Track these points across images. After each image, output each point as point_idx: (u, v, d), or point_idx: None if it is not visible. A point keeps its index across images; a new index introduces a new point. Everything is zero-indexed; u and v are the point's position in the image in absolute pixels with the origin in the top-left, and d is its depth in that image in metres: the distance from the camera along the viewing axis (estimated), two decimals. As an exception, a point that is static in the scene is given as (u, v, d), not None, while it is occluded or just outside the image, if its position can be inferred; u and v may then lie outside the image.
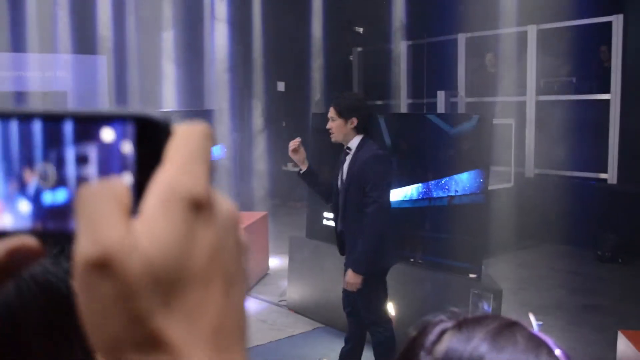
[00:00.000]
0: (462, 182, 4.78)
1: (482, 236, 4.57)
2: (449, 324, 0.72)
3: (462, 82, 10.13)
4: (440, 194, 4.96)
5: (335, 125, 4.08)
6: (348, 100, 4.15)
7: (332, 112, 4.10)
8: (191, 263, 0.38)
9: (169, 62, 10.51)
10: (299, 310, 6.22)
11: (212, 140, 0.41)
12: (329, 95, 12.29)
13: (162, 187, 0.38)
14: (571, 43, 9.14)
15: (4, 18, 9.22)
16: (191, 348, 0.38)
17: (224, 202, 0.41)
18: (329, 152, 6.01)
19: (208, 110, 8.74)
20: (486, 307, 4.33)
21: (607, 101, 8.60)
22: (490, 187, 7.94)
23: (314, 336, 5.75)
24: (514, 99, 9.36)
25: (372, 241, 4.00)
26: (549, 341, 0.71)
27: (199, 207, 0.38)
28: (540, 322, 4.37)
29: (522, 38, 9.34)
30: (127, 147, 0.39)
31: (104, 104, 9.98)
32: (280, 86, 13.02)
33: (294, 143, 4.16)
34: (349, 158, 4.13)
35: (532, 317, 0.74)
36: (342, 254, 4.39)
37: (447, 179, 4.86)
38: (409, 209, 5.26)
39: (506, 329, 0.70)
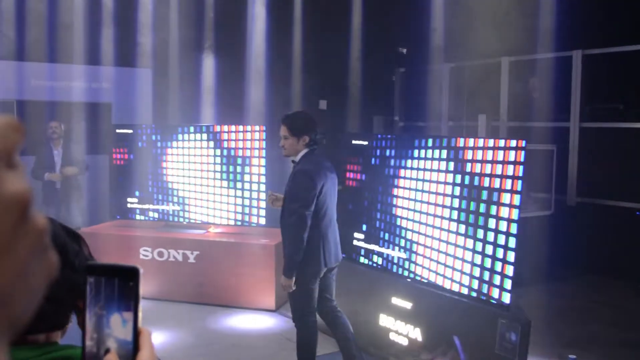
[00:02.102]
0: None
1: (513, 263, 4.44)
2: None
3: (504, 106, 9.97)
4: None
5: (288, 143, 4.45)
6: (300, 120, 4.50)
7: (284, 131, 4.45)
8: None
9: (209, 78, 10.64)
10: (326, 330, 6.15)
11: (13, 129, 0.44)
12: (370, 114, 12.26)
13: None
14: (619, 69, 8.92)
15: (51, 29, 9.49)
16: None
17: (14, 183, 0.42)
18: (365, 167, 5.98)
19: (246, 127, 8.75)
20: (514, 337, 4.20)
21: (655, 130, 8.36)
22: (529, 214, 7.80)
23: (339, 357, 5.67)
24: (557, 125, 9.16)
25: (292, 248, 4.44)
26: None
27: None
28: (574, 357, 4.20)
29: (567, 63, 9.16)
30: None
31: (147, 116, 10.13)
32: (322, 104, 13.04)
33: (269, 199, 4.75)
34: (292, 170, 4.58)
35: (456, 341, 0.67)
36: None
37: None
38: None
39: None
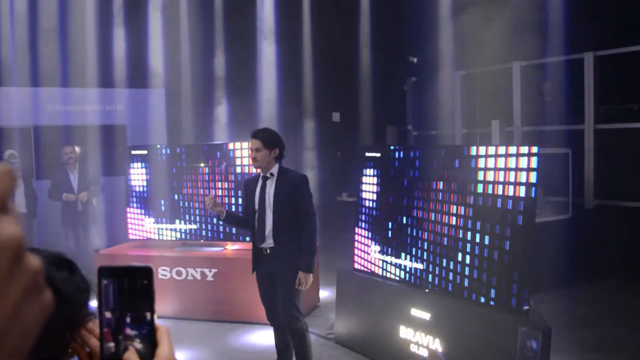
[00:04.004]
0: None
1: (532, 269, 4.41)
2: None
3: (517, 111, 9.93)
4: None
5: (261, 155, 4.77)
6: (270, 134, 4.88)
7: (257, 144, 4.78)
8: None
9: (221, 95, 10.72)
10: (347, 344, 6.14)
11: (6, 176, 0.46)
12: (383, 124, 12.25)
13: None
14: (632, 69, 8.87)
15: (63, 54, 9.63)
16: None
17: (7, 227, 0.45)
18: (379, 179, 5.98)
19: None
20: (534, 345, 4.16)
21: (671, 129, 8.27)
22: (546, 218, 7.75)
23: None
24: (572, 128, 9.11)
25: (313, 246, 4.85)
26: None
27: None
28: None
29: (579, 65, 9.12)
30: None
31: (161, 136, 10.21)
32: (335, 116, 13.06)
33: (209, 202, 4.84)
34: (271, 183, 4.85)
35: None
36: (254, 270, 5.02)
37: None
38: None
39: None
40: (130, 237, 8.07)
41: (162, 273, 7.27)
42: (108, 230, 8.89)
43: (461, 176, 5.00)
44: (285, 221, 4.81)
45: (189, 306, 7.18)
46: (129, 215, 8.08)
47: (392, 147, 6.00)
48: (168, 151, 7.89)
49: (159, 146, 8.11)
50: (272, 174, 4.86)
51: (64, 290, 1.25)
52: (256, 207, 4.90)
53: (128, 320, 0.90)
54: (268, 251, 4.88)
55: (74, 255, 1.37)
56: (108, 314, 0.90)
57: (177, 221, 7.77)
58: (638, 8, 8.37)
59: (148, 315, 0.91)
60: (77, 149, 8.41)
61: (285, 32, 11.29)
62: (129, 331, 0.90)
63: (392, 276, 5.73)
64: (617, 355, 5.77)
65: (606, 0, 8.47)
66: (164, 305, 7.00)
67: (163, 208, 7.82)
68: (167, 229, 7.83)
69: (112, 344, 0.90)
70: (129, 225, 8.06)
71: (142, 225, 7.96)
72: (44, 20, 9.67)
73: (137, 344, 0.91)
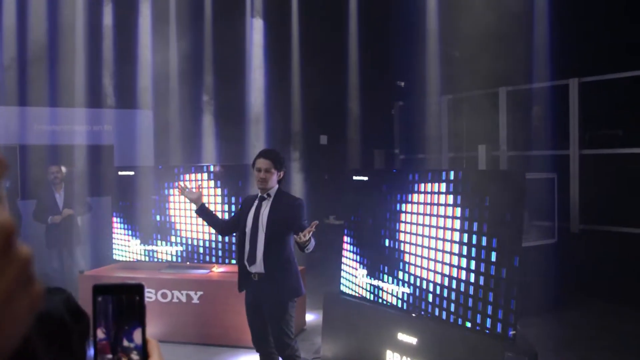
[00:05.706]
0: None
1: (518, 294, 4.41)
2: None
3: (503, 135, 10.01)
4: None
5: (270, 176, 4.70)
6: (279, 155, 4.83)
7: (268, 165, 4.69)
8: None
9: (210, 117, 10.72)
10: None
11: None
12: (371, 147, 12.28)
13: None
14: (616, 96, 8.99)
15: (52, 74, 9.62)
16: None
17: None
18: (367, 203, 5.98)
19: (248, 165, 8.80)
20: (521, 371, 4.15)
21: (655, 154, 8.37)
22: (532, 243, 7.78)
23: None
24: (557, 153, 9.19)
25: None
26: None
27: None
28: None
29: (564, 91, 9.22)
30: None
31: (149, 157, 10.19)
32: (323, 139, 13.10)
33: (182, 190, 5.09)
34: (267, 203, 4.74)
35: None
36: (241, 290, 4.90)
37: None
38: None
39: None
40: (116, 258, 8.00)
41: (147, 295, 7.19)
42: (93, 252, 8.82)
43: (447, 200, 5.02)
44: (277, 245, 4.68)
45: (174, 329, 7.12)
46: (114, 236, 8.02)
47: (379, 171, 6.02)
48: (155, 172, 7.87)
49: (146, 167, 8.08)
50: (269, 195, 4.75)
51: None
52: (249, 227, 4.76)
53: (121, 333, 0.96)
54: (256, 277, 4.74)
55: (58, 277, 1.33)
56: (101, 328, 0.95)
57: (163, 243, 7.72)
58: (622, 35, 8.50)
59: (140, 328, 0.97)
60: (63, 168, 8.36)
61: (273, 55, 11.34)
62: (126, 343, 0.96)
63: (379, 300, 5.72)
64: (603, 380, 5.77)
65: (591, 27, 8.59)
66: (149, 328, 6.87)
67: (148, 229, 7.77)
68: (152, 251, 7.78)
69: (110, 356, 0.95)
70: (114, 247, 8.00)
71: (127, 247, 7.91)
72: (32, 40, 9.67)
73: (135, 356, 0.96)
